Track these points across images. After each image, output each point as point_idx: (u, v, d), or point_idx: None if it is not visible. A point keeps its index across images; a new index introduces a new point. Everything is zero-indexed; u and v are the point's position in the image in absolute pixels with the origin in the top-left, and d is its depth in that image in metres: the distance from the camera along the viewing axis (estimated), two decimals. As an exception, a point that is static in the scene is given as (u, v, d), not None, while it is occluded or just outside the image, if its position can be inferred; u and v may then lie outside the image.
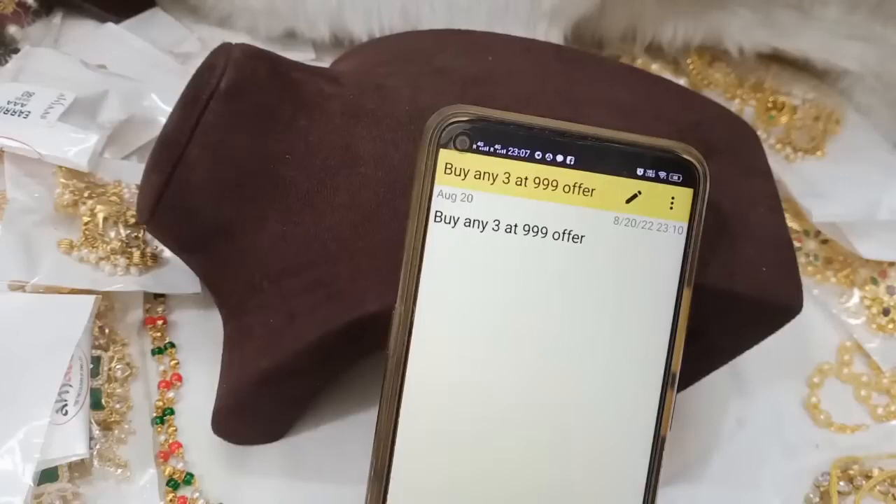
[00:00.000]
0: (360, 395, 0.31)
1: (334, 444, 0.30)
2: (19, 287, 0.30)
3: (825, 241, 0.40)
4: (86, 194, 0.33)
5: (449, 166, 0.22)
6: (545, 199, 0.23)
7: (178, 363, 0.32)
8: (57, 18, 0.43)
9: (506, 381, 0.23)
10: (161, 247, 0.33)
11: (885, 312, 0.38)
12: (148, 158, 0.28)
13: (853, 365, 0.37)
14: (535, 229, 0.23)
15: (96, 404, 0.29)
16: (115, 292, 0.32)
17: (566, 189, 0.23)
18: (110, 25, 0.43)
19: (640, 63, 0.44)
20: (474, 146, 0.22)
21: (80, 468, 0.28)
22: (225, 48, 0.27)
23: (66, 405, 0.28)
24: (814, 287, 0.39)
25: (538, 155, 0.22)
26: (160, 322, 0.33)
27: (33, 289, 0.30)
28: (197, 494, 0.29)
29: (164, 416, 0.31)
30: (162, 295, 0.34)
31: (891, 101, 0.42)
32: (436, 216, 0.22)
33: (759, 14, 0.40)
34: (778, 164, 0.41)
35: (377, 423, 0.22)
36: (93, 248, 0.32)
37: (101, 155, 0.35)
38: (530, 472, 0.24)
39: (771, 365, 0.35)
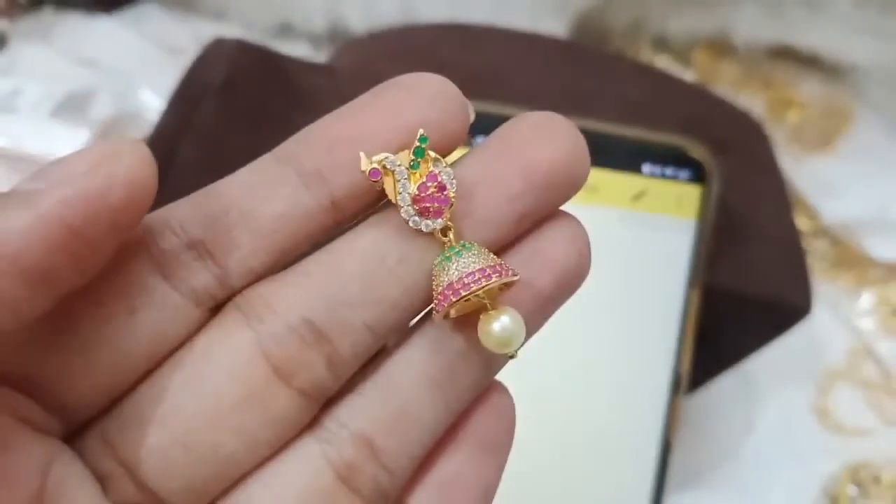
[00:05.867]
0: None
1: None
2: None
3: (835, 241, 0.39)
4: (76, 192, 0.33)
5: (450, 163, 0.22)
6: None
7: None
8: (47, 12, 0.42)
9: (508, 384, 0.22)
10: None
11: (896, 313, 0.37)
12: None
13: (864, 368, 0.36)
14: (540, 229, 0.22)
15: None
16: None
17: (571, 187, 0.22)
18: (101, 19, 0.42)
19: (645, 57, 0.43)
20: (476, 142, 0.22)
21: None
22: (218, 43, 0.27)
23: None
24: (823, 288, 0.38)
25: (543, 152, 0.22)
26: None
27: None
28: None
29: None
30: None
31: (903, 97, 0.41)
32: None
33: (767, 8, 0.40)
34: (787, 162, 0.40)
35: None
36: (83, 246, 0.32)
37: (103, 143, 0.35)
38: (535, 476, 0.23)
39: (780, 368, 0.35)
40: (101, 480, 0.13)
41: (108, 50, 0.39)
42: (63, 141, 0.33)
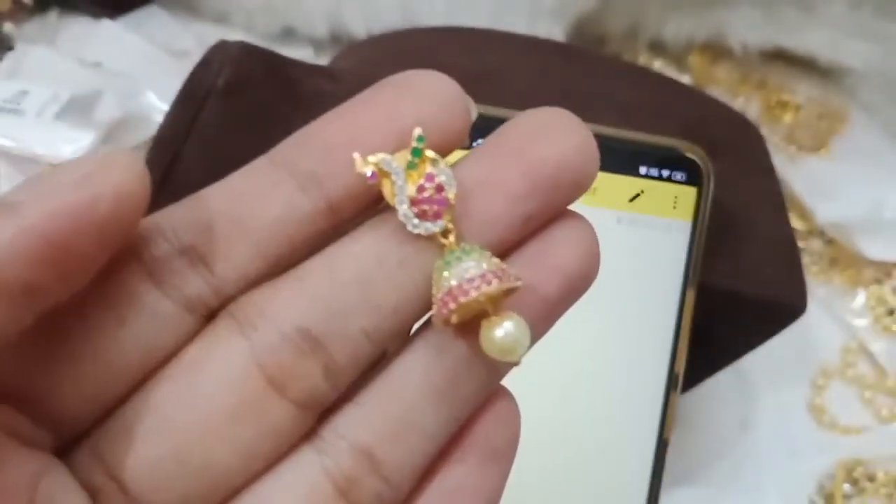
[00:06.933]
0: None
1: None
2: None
3: (830, 241, 0.39)
4: (81, 193, 0.33)
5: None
6: (547, 198, 0.22)
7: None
8: (52, 16, 0.42)
9: (505, 382, 0.23)
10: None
11: (891, 313, 0.37)
12: (144, 157, 0.28)
13: (858, 366, 0.36)
14: (537, 229, 0.22)
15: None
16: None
17: (568, 188, 0.22)
18: (106, 22, 0.42)
19: (642, 60, 0.43)
20: (474, 144, 0.22)
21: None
22: (222, 46, 0.27)
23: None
24: (818, 288, 0.38)
25: (540, 153, 0.22)
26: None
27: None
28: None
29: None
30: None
31: (896, 99, 0.41)
32: (435, 216, 0.22)
33: (762, 11, 0.40)
34: (782, 163, 0.40)
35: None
36: (88, 247, 0.32)
37: (97, 153, 0.35)
38: (531, 474, 0.23)
39: (775, 367, 0.35)
40: (92, 495, 0.12)
41: (112, 53, 0.39)
42: (68, 143, 0.33)
